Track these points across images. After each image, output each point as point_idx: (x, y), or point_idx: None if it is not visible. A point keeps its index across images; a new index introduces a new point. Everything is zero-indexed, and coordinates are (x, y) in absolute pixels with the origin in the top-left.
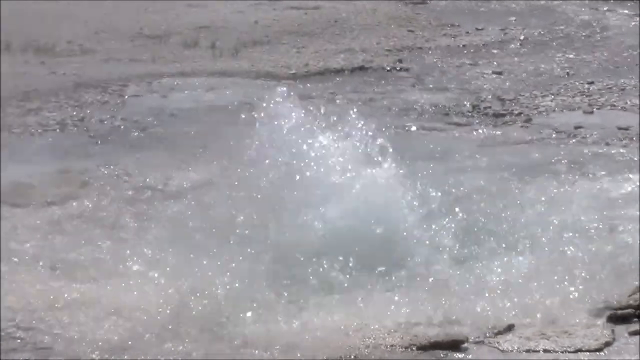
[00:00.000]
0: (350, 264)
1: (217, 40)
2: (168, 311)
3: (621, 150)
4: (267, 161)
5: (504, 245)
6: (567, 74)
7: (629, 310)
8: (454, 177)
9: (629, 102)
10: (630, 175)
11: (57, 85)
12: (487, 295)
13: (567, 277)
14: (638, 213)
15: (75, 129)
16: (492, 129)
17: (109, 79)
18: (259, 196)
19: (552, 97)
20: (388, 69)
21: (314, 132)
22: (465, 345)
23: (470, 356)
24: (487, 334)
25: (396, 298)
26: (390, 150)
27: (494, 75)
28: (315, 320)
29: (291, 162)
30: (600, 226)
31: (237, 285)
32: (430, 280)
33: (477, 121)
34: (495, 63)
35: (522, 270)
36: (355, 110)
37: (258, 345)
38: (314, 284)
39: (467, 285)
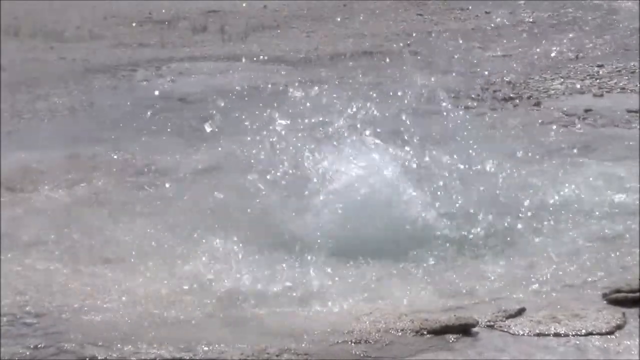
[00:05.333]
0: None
1: (226, 24)
2: (179, 297)
3: (631, 133)
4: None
5: (519, 226)
6: (577, 57)
7: None
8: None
9: (638, 85)
10: None
11: (66, 71)
12: (494, 279)
13: (576, 261)
14: None
15: (85, 114)
16: (502, 112)
17: (117, 64)
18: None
19: (562, 80)
20: (397, 52)
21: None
22: (476, 329)
23: (480, 340)
24: (498, 318)
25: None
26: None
27: (504, 59)
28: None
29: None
30: (610, 209)
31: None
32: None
33: (486, 104)
34: (504, 46)
35: (528, 254)
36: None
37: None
38: None
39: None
